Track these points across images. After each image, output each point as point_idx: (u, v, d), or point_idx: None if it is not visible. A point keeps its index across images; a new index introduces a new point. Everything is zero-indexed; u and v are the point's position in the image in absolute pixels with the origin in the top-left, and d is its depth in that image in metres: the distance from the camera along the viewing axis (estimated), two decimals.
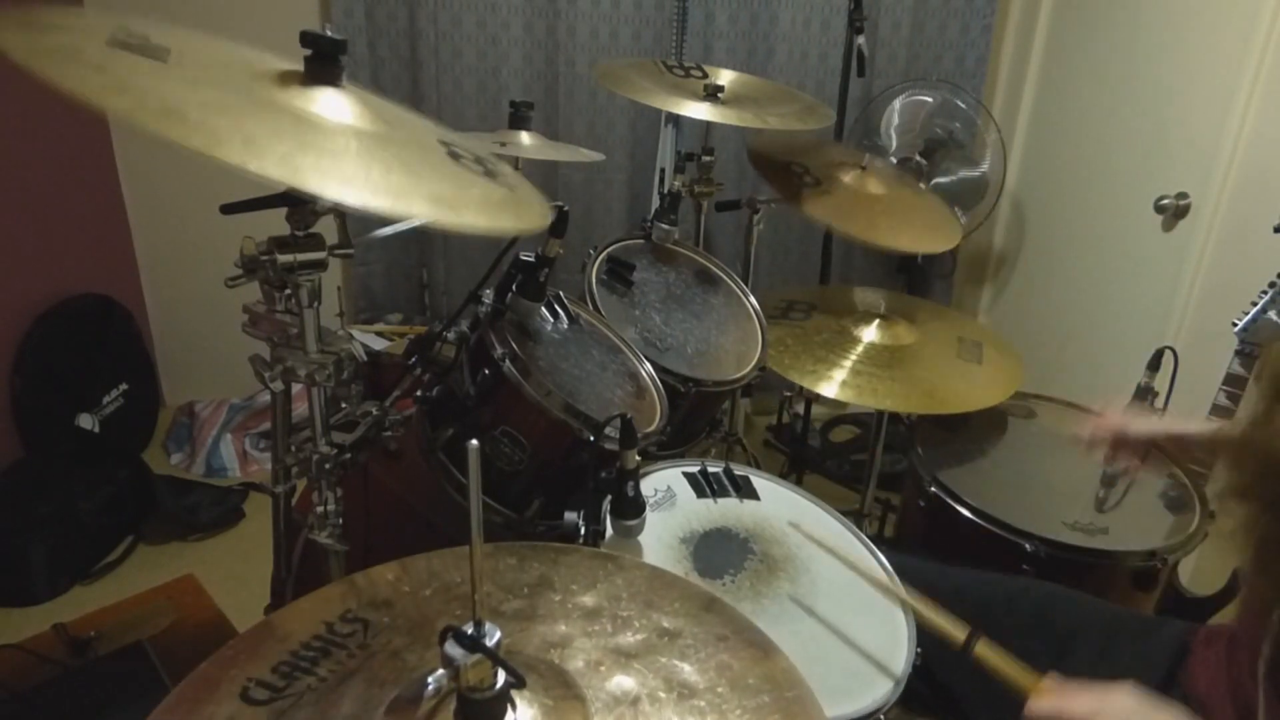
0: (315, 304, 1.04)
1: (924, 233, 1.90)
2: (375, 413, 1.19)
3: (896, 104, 2.66)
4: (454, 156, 1.04)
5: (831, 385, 1.70)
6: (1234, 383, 1.49)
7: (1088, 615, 1.22)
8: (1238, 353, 1.49)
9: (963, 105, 2.65)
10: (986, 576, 1.32)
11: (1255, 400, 0.91)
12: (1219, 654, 1.05)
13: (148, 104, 0.75)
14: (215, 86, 0.87)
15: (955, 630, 1.03)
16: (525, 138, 1.77)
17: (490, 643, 0.62)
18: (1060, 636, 1.18)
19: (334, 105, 0.94)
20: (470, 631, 0.62)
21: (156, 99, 0.77)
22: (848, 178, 1.89)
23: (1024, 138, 2.83)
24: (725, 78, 1.97)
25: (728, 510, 1.27)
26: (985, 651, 1.00)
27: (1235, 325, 1.49)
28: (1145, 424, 1.28)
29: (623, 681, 0.72)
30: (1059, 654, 1.14)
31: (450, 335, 1.26)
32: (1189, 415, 1.56)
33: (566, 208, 1.27)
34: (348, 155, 0.87)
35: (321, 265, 1.02)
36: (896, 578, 1.19)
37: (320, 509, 1.14)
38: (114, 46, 0.83)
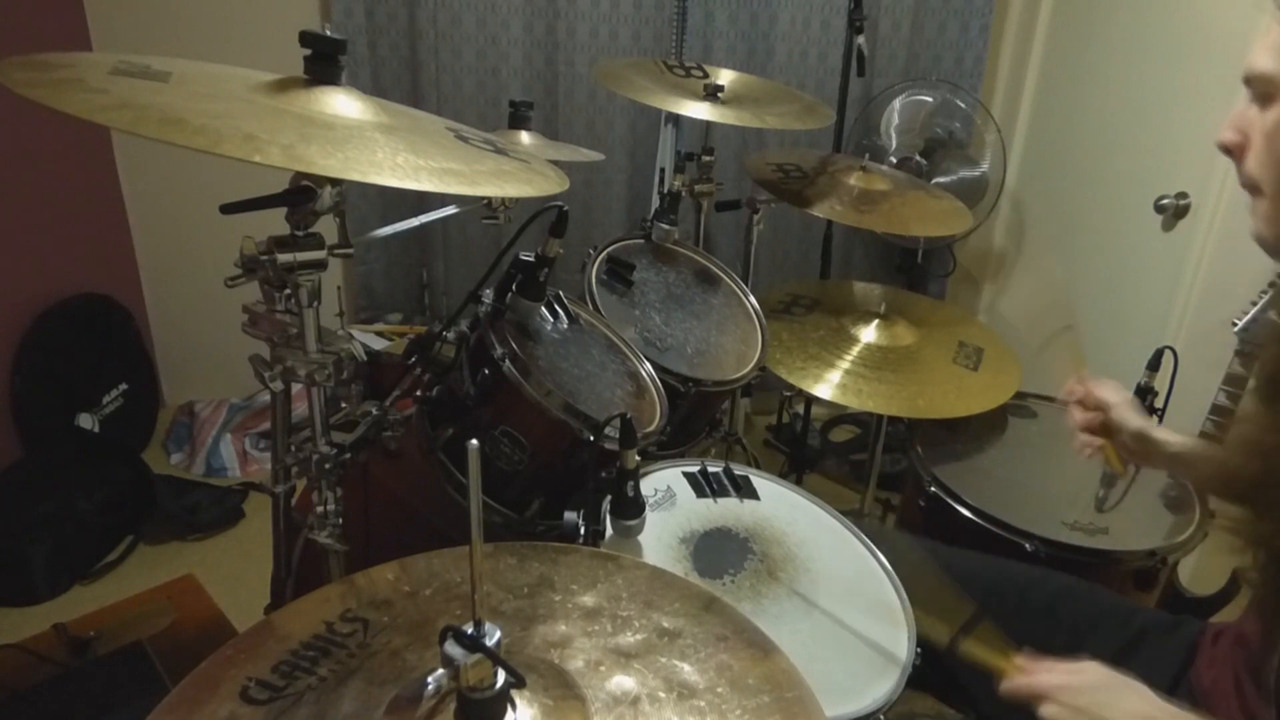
0: (315, 304, 1.04)
1: (937, 218, 1.90)
2: (375, 413, 1.19)
3: (896, 104, 2.66)
4: (462, 140, 1.05)
5: (819, 384, 1.70)
6: (1234, 382, 1.49)
7: (1104, 611, 1.21)
8: (1238, 353, 1.49)
9: (962, 105, 2.65)
10: (1001, 563, 1.31)
11: (1258, 403, 0.90)
12: (1224, 651, 1.05)
13: (149, 116, 0.78)
14: (215, 99, 0.90)
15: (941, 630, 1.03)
16: (525, 137, 1.77)
17: (490, 643, 0.62)
18: (1074, 630, 1.17)
19: (335, 102, 0.96)
20: (470, 631, 0.62)
21: (157, 112, 0.80)
22: (851, 178, 1.90)
23: (1024, 138, 2.83)
24: (725, 77, 1.97)
25: (728, 510, 1.27)
26: (981, 639, 1.00)
27: (1235, 325, 1.49)
28: (1125, 413, 1.27)
29: (623, 681, 0.72)
30: (1072, 648, 1.13)
31: (450, 335, 1.26)
32: (1188, 418, 1.56)
33: (566, 208, 1.27)
34: (352, 141, 0.89)
35: (321, 265, 1.02)
36: (897, 579, 1.19)
37: (320, 509, 1.14)
38: (116, 75, 0.87)
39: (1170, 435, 1.25)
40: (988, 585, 1.20)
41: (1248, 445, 0.88)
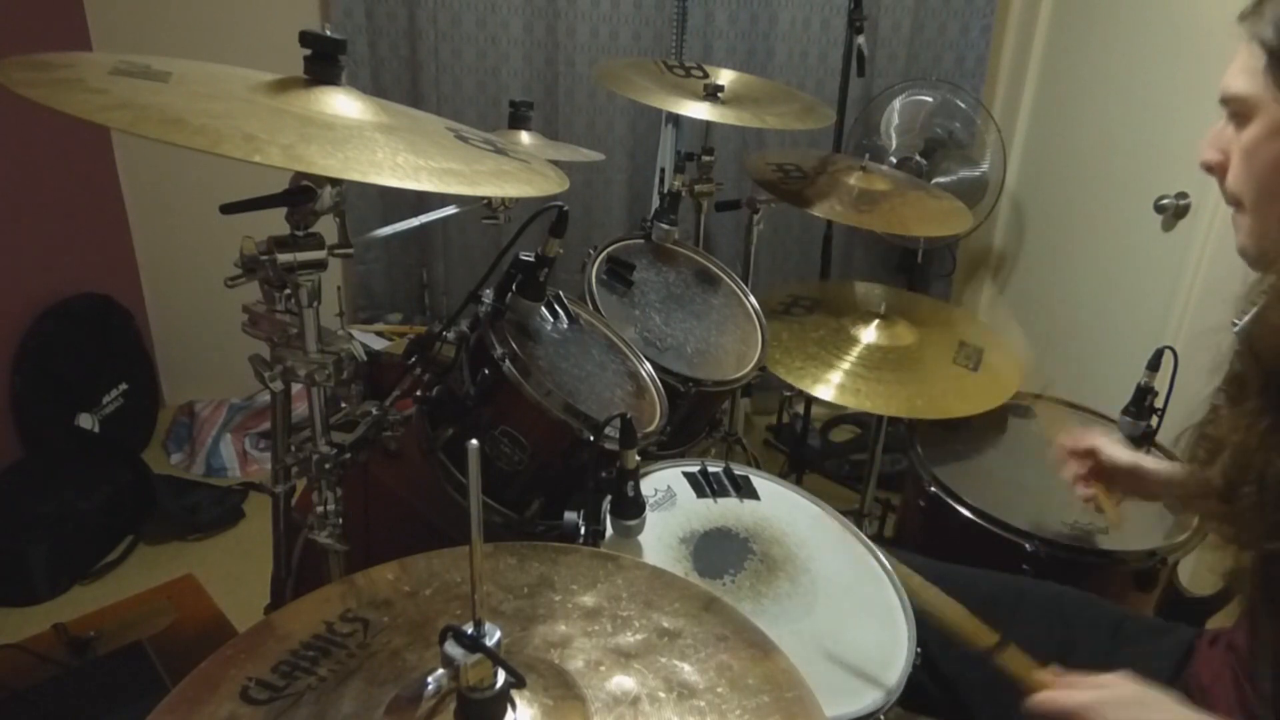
0: (315, 304, 1.04)
1: (937, 218, 1.90)
2: (375, 413, 1.19)
3: (896, 104, 2.66)
4: (462, 140, 1.06)
5: (819, 384, 1.70)
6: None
7: (1095, 617, 1.22)
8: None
9: (963, 105, 2.65)
10: (992, 575, 1.31)
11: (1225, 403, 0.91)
12: (1221, 653, 1.05)
13: (149, 116, 0.78)
14: (215, 99, 0.90)
15: (984, 635, 1.01)
16: (525, 137, 1.77)
17: (490, 643, 0.62)
18: (1066, 637, 1.18)
19: (335, 102, 0.96)
20: (470, 631, 0.62)
21: (157, 112, 0.80)
22: (851, 178, 1.90)
23: (1024, 138, 2.83)
24: (725, 77, 1.97)
25: (727, 510, 1.27)
26: (1012, 657, 0.99)
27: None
28: (1115, 451, 1.29)
29: (623, 681, 0.72)
30: (1064, 654, 1.13)
31: (450, 335, 1.26)
32: (1188, 418, 1.56)
33: (566, 208, 1.27)
34: (352, 141, 0.89)
35: (321, 265, 1.02)
36: (896, 579, 1.18)
37: (320, 509, 1.14)
38: (116, 75, 0.87)
39: (1160, 464, 1.27)
40: (981, 595, 1.20)
41: (1216, 447, 0.88)
